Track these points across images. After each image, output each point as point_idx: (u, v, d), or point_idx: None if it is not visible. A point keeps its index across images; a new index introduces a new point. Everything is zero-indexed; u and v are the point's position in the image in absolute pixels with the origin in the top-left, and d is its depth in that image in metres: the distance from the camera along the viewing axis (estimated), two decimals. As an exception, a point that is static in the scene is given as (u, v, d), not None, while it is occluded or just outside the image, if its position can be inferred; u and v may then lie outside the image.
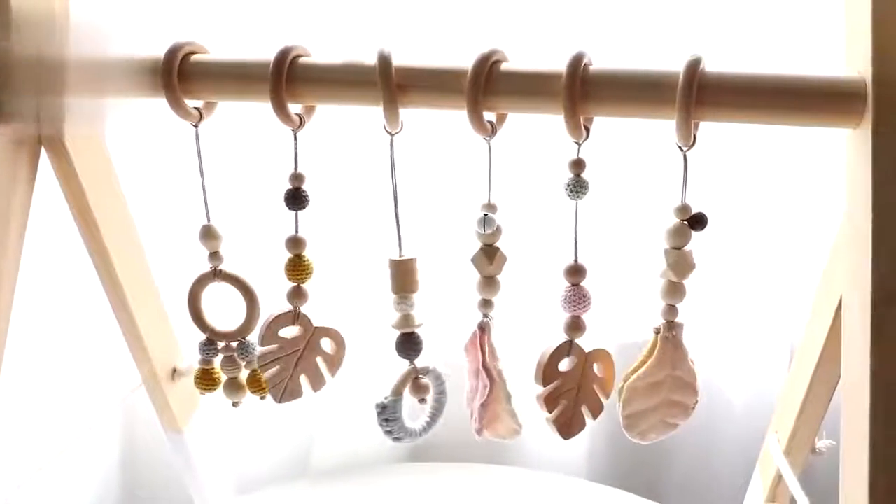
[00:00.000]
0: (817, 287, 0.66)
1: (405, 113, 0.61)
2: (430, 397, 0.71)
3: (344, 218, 0.95)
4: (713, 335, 1.10)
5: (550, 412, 0.67)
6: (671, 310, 0.63)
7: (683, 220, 0.59)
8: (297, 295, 0.70)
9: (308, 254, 0.69)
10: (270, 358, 0.70)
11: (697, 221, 0.60)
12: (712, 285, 1.07)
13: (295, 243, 0.68)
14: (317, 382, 0.73)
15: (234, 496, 0.98)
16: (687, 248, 0.61)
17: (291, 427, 1.10)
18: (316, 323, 0.71)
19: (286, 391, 0.72)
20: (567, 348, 0.66)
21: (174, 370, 0.80)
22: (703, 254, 1.03)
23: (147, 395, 0.81)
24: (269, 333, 0.70)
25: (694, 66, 0.54)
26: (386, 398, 0.68)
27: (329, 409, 1.05)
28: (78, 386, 0.96)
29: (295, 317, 0.70)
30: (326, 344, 0.72)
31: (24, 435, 0.88)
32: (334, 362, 0.72)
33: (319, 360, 0.72)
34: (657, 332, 0.63)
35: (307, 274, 0.69)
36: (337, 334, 0.72)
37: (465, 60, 0.57)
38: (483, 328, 0.66)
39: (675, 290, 0.63)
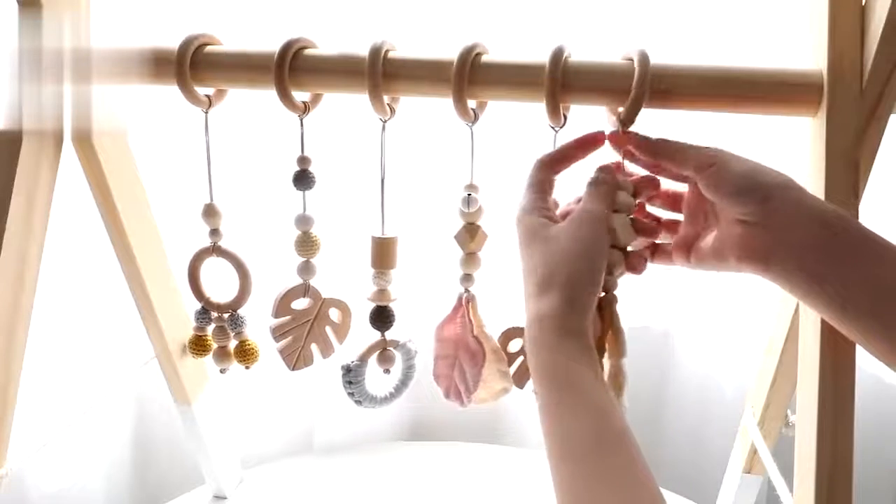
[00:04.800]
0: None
1: (402, 104, 0.67)
2: (398, 370, 0.76)
3: (350, 198, 0.99)
4: (708, 333, 1.14)
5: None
6: (613, 280, 0.63)
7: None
8: (306, 269, 0.75)
9: (315, 231, 0.74)
10: (283, 329, 0.76)
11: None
12: (704, 290, 1.11)
13: (303, 221, 0.73)
14: (326, 350, 0.78)
15: (241, 469, 1.03)
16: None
17: (296, 406, 1.14)
18: (325, 295, 0.76)
19: (299, 359, 0.77)
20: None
21: (185, 345, 0.84)
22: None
23: (159, 368, 0.85)
24: (283, 306, 0.75)
25: (644, 60, 0.58)
26: (352, 362, 0.73)
27: (332, 389, 1.09)
28: (93, 359, 1.01)
29: (305, 289, 0.75)
30: (335, 314, 0.77)
31: (42, 405, 0.92)
32: (342, 331, 0.78)
33: (328, 329, 0.77)
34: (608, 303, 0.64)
35: (315, 249, 0.74)
36: (344, 305, 0.77)
37: (450, 52, 0.61)
38: (469, 300, 0.71)
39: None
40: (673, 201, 0.63)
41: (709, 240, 0.58)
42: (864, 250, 0.50)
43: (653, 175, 0.62)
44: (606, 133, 0.61)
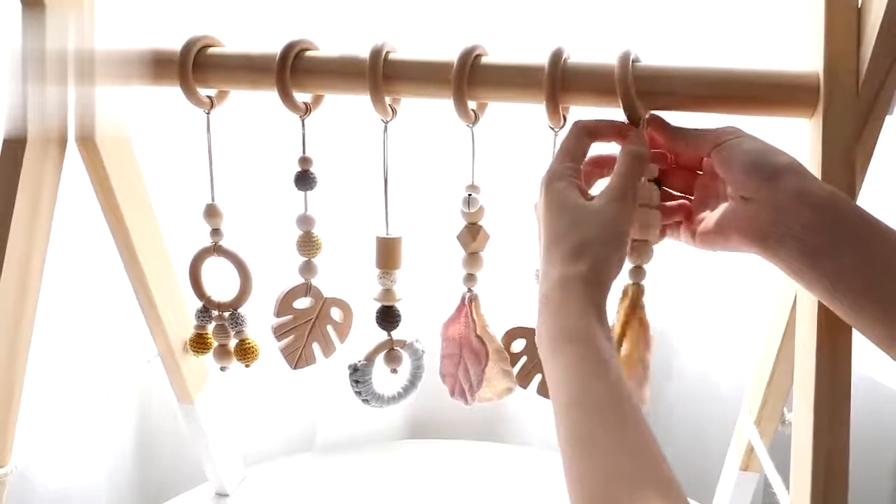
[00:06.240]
0: (780, 284, 0.70)
1: (403, 105, 0.67)
2: (406, 370, 0.77)
3: (350, 198, 1.00)
4: (705, 332, 1.14)
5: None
6: (642, 272, 0.65)
7: (649, 179, 0.63)
8: (307, 269, 0.75)
9: (317, 231, 0.75)
10: (285, 328, 0.76)
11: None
12: (703, 289, 1.12)
13: (305, 221, 0.74)
14: (328, 349, 0.78)
15: (243, 467, 1.03)
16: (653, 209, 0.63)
17: (298, 405, 1.14)
18: (326, 294, 0.77)
19: (301, 358, 0.78)
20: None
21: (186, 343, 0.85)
22: (695, 267, 1.09)
23: (162, 367, 0.86)
24: (284, 305, 0.76)
25: (625, 61, 0.59)
26: (358, 361, 0.74)
27: (334, 388, 1.10)
28: (97, 358, 1.01)
29: (307, 289, 0.76)
30: (336, 313, 0.78)
31: (46, 403, 0.93)
32: (343, 330, 0.78)
33: (330, 328, 0.78)
34: (637, 295, 0.65)
35: (317, 249, 0.75)
36: (345, 304, 0.78)
37: (450, 54, 0.62)
38: (472, 300, 0.71)
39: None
40: (684, 184, 0.64)
41: (712, 218, 0.59)
42: (864, 231, 0.51)
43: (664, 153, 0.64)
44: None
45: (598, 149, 0.63)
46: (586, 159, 0.62)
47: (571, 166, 0.59)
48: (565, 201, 0.57)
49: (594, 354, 0.50)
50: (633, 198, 0.57)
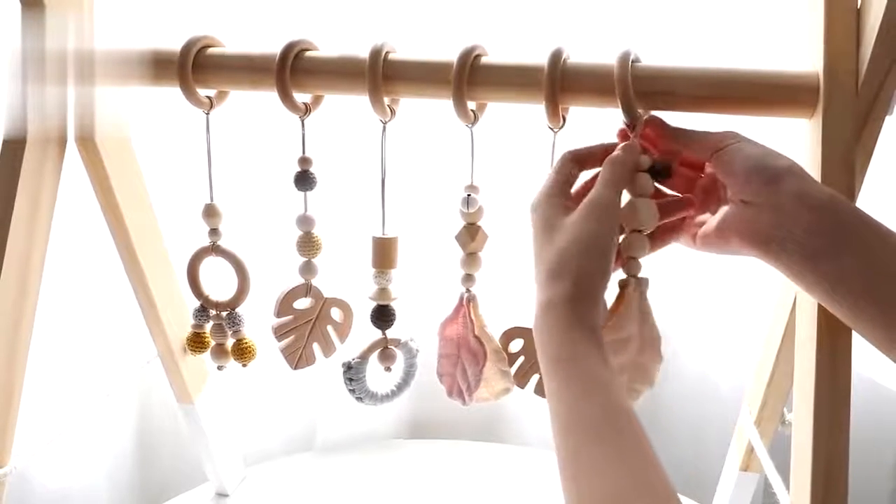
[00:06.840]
0: (780, 285, 0.70)
1: (402, 106, 0.68)
2: (400, 368, 0.77)
3: (351, 198, 1.00)
4: (703, 330, 1.14)
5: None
6: (635, 263, 0.62)
7: (641, 170, 0.60)
8: (307, 269, 0.76)
9: (317, 231, 0.75)
10: (285, 328, 0.76)
11: (658, 172, 0.61)
12: (702, 290, 1.12)
13: (305, 222, 0.74)
14: (328, 349, 0.78)
15: (243, 467, 1.03)
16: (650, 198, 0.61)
17: (298, 405, 1.15)
18: (326, 294, 0.77)
19: (301, 358, 0.78)
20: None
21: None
22: (695, 268, 1.09)
23: (162, 367, 0.86)
24: (285, 305, 0.76)
25: (624, 61, 0.59)
26: (352, 359, 0.74)
27: (334, 388, 1.10)
28: (97, 358, 1.01)
29: (307, 289, 0.76)
30: (336, 313, 0.78)
31: (46, 403, 0.93)
32: (344, 330, 0.78)
33: (330, 328, 0.78)
34: (623, 286, 0.63)
35: (317, 250, 0.75)
36: (346, 304, 0.78)
37: (450, 54, 0.62)
38: (470, 300, 0.71)
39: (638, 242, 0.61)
40: (684, 185, 0.64)
41: (713, 222, 0.59)
42: (863, 234, 0.51)
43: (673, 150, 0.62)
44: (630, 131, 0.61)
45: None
46: (585, 181, 0.62)
47: (558, 189, 0.59)
48: (546, 221, 0.57)
49: (582, 374, 0.50)
50: (615, 205, 0.56)
